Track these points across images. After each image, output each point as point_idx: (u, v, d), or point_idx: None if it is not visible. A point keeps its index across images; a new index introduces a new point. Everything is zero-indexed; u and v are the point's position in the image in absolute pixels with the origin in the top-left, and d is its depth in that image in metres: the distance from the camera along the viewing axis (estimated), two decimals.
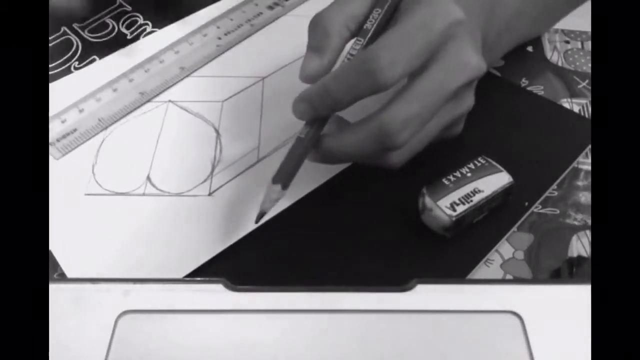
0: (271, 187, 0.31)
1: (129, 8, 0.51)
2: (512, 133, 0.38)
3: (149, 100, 0.41)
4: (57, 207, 0.34)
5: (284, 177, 0.31)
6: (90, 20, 0.50)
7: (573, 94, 0.42)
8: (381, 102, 0.30)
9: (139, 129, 0.40)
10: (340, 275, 0.31)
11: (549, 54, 0.45)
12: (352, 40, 0.33)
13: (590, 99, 0.41)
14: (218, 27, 0.46)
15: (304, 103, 0.31)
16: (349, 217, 0.34)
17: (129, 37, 0.48)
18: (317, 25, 0.33)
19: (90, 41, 0.48)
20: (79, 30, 0.49)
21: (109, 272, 0.31)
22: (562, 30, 0.47)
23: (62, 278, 0.31)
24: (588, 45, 0.46)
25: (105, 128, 0.40)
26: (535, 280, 0.31)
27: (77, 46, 0.48)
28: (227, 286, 0.27)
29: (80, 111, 0.41)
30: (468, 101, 0.33)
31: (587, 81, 0.42)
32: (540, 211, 0.34)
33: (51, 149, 0.38)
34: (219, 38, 0.46)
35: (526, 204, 0.34)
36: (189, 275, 0.31)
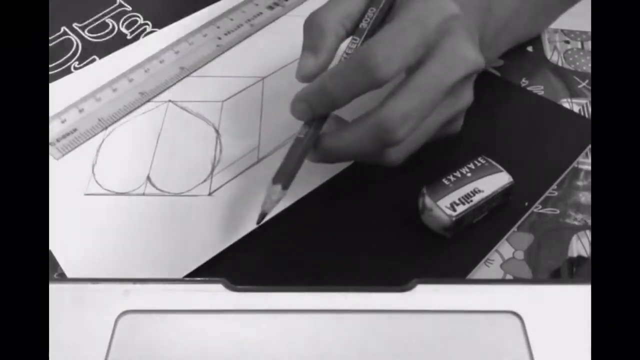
0: (271, 187, 0.31)
1: (129, 8, 0.51)
2: (512, 133, 0.38)
3: (148, 100, 0.41)
4: (57, 207, 0.34)
5: (284, 177, 0.31)
6: (90, 20, 0.50)
7: (573, 94, 0.42)
8: (379, 99, 0.30)
9: (139, 129, 0.40)
10: (340, 275, 0.31)
11: (549, 54, 0.45)
12: (348, 39, 0.33)
13: (590, 99, 0.41)
14: (218, 27, 0.46)
15: (301, 103, 0.31)
16: (349, 217, 0.34)
17: (129, 37, 0.48)
18: (312, 25, 0.33)
19: (90, 41, 0.48)
20: (79, 30, 0.49)
21: (109, 272, 0.31)
22: (562, 30, 0.47)
23: (62, 278, 0.31)
24: (588, 45, 0.46)
25: (105, 128, 0.40)
26: (535, 280, 0.31)
27: (77, 46, 0.48)
28: (227, 286, 0.27)
29: (80, 111, 0.41)
30: (467, 96, 0.33)
31: (587, 81, 0.42)
32: (540, 211, 0.34)
33: (51, 149, 0.38)
34: (219, 38, 0.46)
35: (526, 204, 0.34)
36: (189, 275, 0.31)
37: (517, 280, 0.31)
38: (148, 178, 0.36)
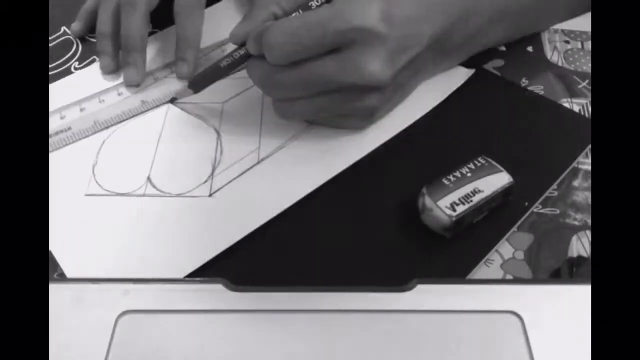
0: (186, 90, 0.39)
1: None
2: (512, 133, 0.38)
3: (148, 110, 0.41)
4: (57, 207, 0.34)
5: (198, 84, 0.39)
6: None
7: (573, 94, 0.42)
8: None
9: (140, 130, 0.40)
10: (340, 275, 0.31)
11: (549, 54, 0.45)
12: None
13: (590, 99, 0.41)
14: (223, 51, 0.46)
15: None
16: (348, 217, 0.34)
17: None
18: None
19: (90, 41, 0.48)
20: None
21: (109, 272, 0.31)
22: (562, 30, 0.47)
23: (62, 278, 0.31)
24: (588, 45, 0.46)
25: (98, 131, 0.40)
26: (535, 280, 0.31)
27: (77, 46, 0.48)
28: (227, 286, 0.27)
29: (82, 110, 0.41)
30: (357, 104, 0.35)
31: (587, 81, 0.42)
32: (540, 211, 0.34)
33: None
34: (223, 50, 0.45)
35: (526, 204, 0.34)
36: (189, 275, 0.31)
37: (517, 280, 0.31)
38: (148, 179, 0.36)
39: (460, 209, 0.31)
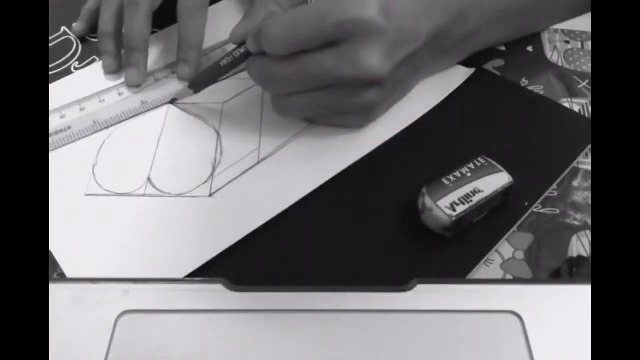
0: (187, 90, 0.39)
1: None
2: (512, 133, 0.38)
3: (148, 110, 0.41)
4: (57, 207, 0.34)
5: (198, 84, 0.39)
6: None
7: (573, 94, 0.42)
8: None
9: (140, 130, 0.40)
10: (340, 275, 0.31)
11: (549, 54, 0.45)
12: None
13: (590, 99, 0.41)
14: (224, 51, 0.46)
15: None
16: (348, 217, 0.34)
17: None
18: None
19: (91, 41, 0.48)
20: None
21: (109, 272, 0.31)
22: (562, 30, 0.47)
23: (62, 278, 0.31)
24: (588, 45, 0.46)
25: (99, 131, 0.40)
26: (535, 280, 0.31)
27: (77, 46, 0.48)
28: (227, 286, 0.27)
29: (82, 109, 0.41)
30: (356, 100, 0.35)
31: (587, 81, 0.42)
32: (540, 211, 0.34)
33: None
34: (224, 50, 0.45)
35: (526, 204, 0.34)
36: (189, 276, 0.31)
37: (517, 280, 0.31)
38: (148, 179, 0.36)
39: (460, 209, 0.31)
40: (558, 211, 0.34)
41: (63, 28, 0.49)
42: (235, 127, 0.39)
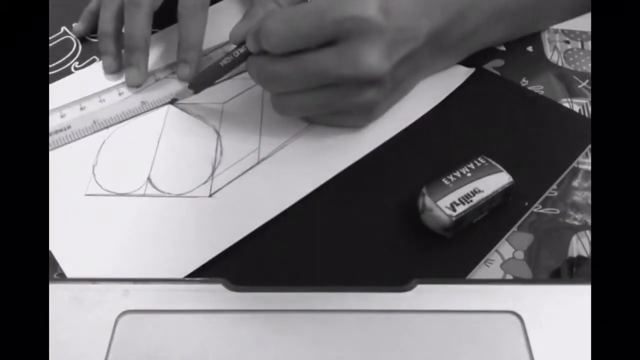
0: (187, 90, 0.39)
1: None
2: (512, 133, 0.38)
3: (148, 110, 0.41)
4: (57, 207, 0.34)
5: (198, 84, 0.39)
6: None
7: (573, 94, 0.42)
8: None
9: (140, 130, 0.40)
10: (340, 275, 0.31)
11: (549, 54, 0.45)
12: None
13: (590, 99, 0.41)
14: (225, 52, 0.45)
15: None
16: (348, 217, 0.34)
17: None
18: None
19: (91, 41, 0.48)
20: None
21: (109, 272, 0.31)
22: (562, 30, 0.47)
23: (62, 278, 0.31)
24: (588, 45, 0.46)
25: (99, 131, 0.40)
26: (535, 280, 0.31)
27: (77, 46, 0.48)
28: (227, 286, 0.27)
29: (82, 109, 0.41)
30: (355, 99, 0.35)
31: (587, 81, 0.42)
32: (540, 211, 0.34)
33: None
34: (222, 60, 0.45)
35: (526, 204, 0.34)
36: (189, 276, 0.31)
37: (517, 280, 0.31)
38: (149, 179, 0.36)
39: (460, 209, 0.31)
40: (558, 211, 0.34)
41: (63, 28, 0.49)
42: (235, 127, 0.39)
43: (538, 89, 0.42)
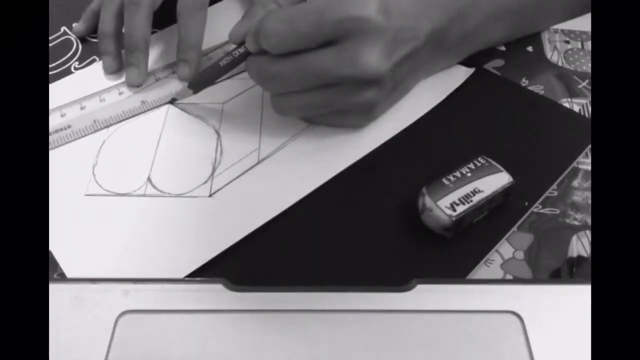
0: (186, 90, 0.39)
1: None
2: (512, 133, 0.38)
3: (148, 110, 0.41)
4: (57, 207, 0.34)
5: (198, 84, 0.39)
6: None
7: (573, 94, 0.42)
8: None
9: (140, 130, 0.40)
10: (340, 276, 0.31)
11: (549, 54, 0.45)
12: None
13: (590, 99, 0.41)
14: (224, 51, 0.45)
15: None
16: (349, 217, 0.34)
17: None
18: None
19: (91, 41, 0.48)
20: None
21: (109, 272, 0.31)
22: (562, 30, 0.47)
23: (62, 278, 0.31)
24: (588, 45, 0.46)
25: (98, 130, 0.40)
26: (535, 280, 0.31)
27: (77, 46, 0.48)
28: (227, 286, 0.27)
29: (82, 108, 0.41)
30: (355, 99, 0.35)
31: (587, 81, 0.42)
32: (540, 211, 0.34)
33: None
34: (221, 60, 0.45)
35: (526, 204, 0.34)
36: (189, 276, 0.31)
37: (517, 280, 0.31)
38: (149, 179, 0.36)
39: (460, 209, 0.31)
40: (558, 211, 0.34)
41: (63, 28, 0.49)
42: (235, 127, 0.39)
43: (538, 89, 0.42)
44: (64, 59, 0.46)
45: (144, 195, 0.35)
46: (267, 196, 0.35)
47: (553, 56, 0.45)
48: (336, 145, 0.37)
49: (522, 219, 0.33)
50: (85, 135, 0.39)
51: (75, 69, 0.45)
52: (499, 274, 0.31)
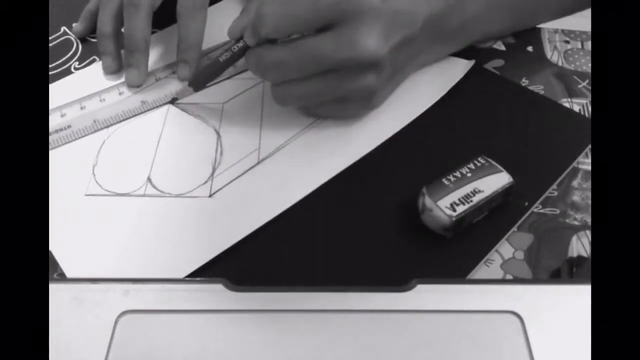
0: (187, 89, 0.40)
1: None
2: (512, 133, 0.38)
3: (148, 110, 0.41)
4: (57, 207, 0.34)
5: (198, 82, 0.40)
6: None
7: (573, 94, 0.42)
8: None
9: (140, 130, 0.40)
10: (340, 276, 0.31)
11: (549, 54, 0.45)
12: None
13: (590, 99, 0.41)
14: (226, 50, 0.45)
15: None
16: (349, 217, 0.34)
17: None
18: None
19: (91, 41, 0.48)
20: None
21: (109, 272, 0.31)
22: (562, 30, 0.47)
23: (62, 278, 0.31)
24: (588, 45, 0.46)
25: (98, 130, 0.40)
26: (535, 280, 0.31)
27: (77, 46, 0.48)
28: (227, 286, 0.27)
29: (82, 108, 0.41)
30: (354, 85, 0.35)
31: (587, 81, 0.42)
32: (540, 211, 0.34)
33: None
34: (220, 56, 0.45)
35: (526, 204, 0.34)
36: (189, 276, 0.31)
37: (517, 280, 0.31)
38: (149, 179, 0.36)
39: (460, 209, 0.31)
40: (558, 211, 0.34)
41: (63, 28, 0.49)
42: (235, 127, 0.39)
43: (538, 89, 0.42)
44: (64, 59, 0.46)
45: (144, 195, 0.35)
46: (267, 196, 0.35)
47: (553, 56, 0.45)
48: (336, 145, 0.37)
49: (522, 219, 0.33)
50: (85, 135, 0.39)
51: (75, 69, 0.45)
52: (499, 274, 0.31)
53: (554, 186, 0.35)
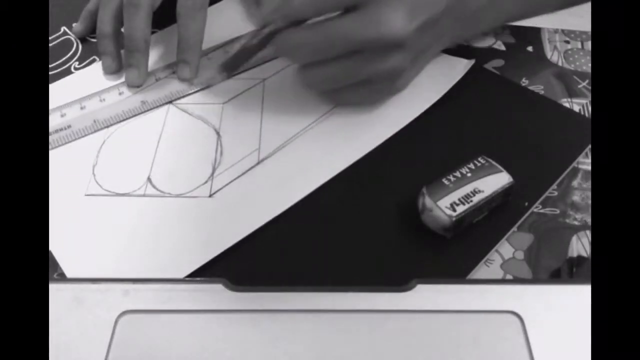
0: (220, 75, 0.42)
1: None
2: (512, 133, 0.38)
3: (148, 110, 0.41)
4: (57, 207, 0.34)
5: (230, 67, 0.41)
6: None
7: (573, 94, 0.42)
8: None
9: (140, 130, 0.40)
10: (340, 275, 0.31)
11: (549, 53, 0.45)
12: None
13: (590, 99, 0.41)
14: (226, 52, 0.46)
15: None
16: (348, 217, 0.34)
17: None
18: None
19: (91, 41, 0.48)
20: None
21: (109, 272, 0.31)
22: (562, 30, 0.47)
23: (62, 278, 0.31)
24: (588, 45, 0.46)
25: (99, 130, 0.40)
26: (535, 280, 0.31)
27: (77, 46, 0.48)
28: (227, 286, 0.27)
29: (82, 108, 0.41)
30: (381, 65, 0.35)
31: (587, 81, 0.42)
32: (540, 211, 0.34)
33: None
34: (227, 52, 0.45)
35: (526, 204, 0.34)
36: (189, 276, 0.31)
37: (517, 280, 0.31)
38: (149, 179, 0.36)
39: (460, 209, 0.31)
40: (558, 211, 0.34)
41: (63, 28, 0.49)
42: (235, 127, 0.39)
43: (538, 89, 0.42)
44: (64, 59, 0.46)
45: (144, 195, 0.35)
46: (267, 196, 0.35)
47: (553, 56, 0.45)
48: (336, 144, 0.37)
49: (522, 219, 0.33)
50: (85, 135, 0.39)
51: (75, 69, 0.45)
52: (499, 274, 0.31)
53: (554, 186, 0.35)
